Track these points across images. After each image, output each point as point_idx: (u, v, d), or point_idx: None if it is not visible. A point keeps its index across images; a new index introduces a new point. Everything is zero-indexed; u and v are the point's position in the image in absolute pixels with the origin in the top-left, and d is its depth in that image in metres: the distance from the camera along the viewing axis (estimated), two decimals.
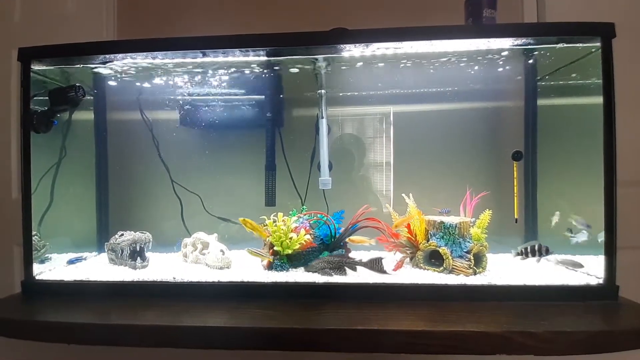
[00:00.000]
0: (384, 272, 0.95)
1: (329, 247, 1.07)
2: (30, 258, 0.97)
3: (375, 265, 0.95)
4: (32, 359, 1.10)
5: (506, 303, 0.85)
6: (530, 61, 1.13)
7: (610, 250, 0.86)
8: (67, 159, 1.18)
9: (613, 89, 0.86)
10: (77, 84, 1.07)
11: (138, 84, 1.24)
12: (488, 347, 0.71)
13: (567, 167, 1.15)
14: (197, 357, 1.09)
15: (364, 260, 0.97)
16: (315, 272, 0.97)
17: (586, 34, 0.89)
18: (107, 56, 1.00)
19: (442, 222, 1.01)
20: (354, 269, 0.97)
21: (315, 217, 1.08)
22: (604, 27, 0.87)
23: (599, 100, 0.87)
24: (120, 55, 1.00)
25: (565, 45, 0.94)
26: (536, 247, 0.98)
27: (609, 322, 0.77)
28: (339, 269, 0.96)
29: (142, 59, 1.02)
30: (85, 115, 1.28)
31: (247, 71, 1.15)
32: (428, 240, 1.03)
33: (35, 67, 1.00)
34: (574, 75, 1.08)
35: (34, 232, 0.99)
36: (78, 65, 1.07)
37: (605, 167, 0.86)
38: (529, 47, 0.98)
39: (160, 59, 1.02)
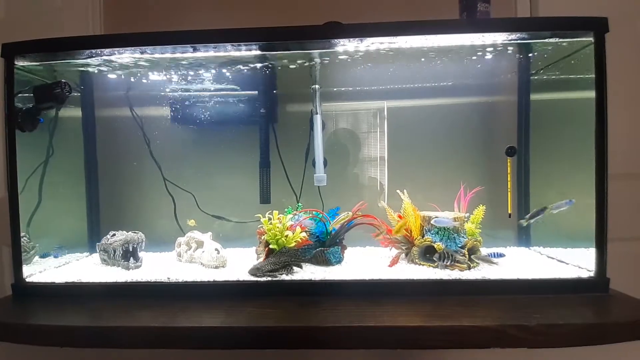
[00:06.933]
0: (330, 264, 1.01)
1: (325, 244, 1.06)
2: (19, 260, 0.95)
3: (319, 257, 0.99)
4: None
5: (500, 297, 0.86)
6: (523, 56, 1.13)
7: (601, 243, 0.87)
8: (54, 157, 1.15)
9: (605, 84, 0.87)
10: (62, 80, 1.03)
11: (127, 80, 1.21)
12: (482, 341, 0.72)
13: (559, 161, 1.16)
14: (193, 358, 1.08)
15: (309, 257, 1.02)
16: (263, 275, 0.93)
17: (579, 28, 0.89)
18: (93, 51, 0.97)
19: (437, 218, 1.01)
20: (300, 267, 0.98)
21: (310, 215, 1.08)
22: (597, 22, 0.87)
23: (590, 94, 0.88)
24: (107, 51, 0.97)
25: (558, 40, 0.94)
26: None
27: (601, 315, 0.78)
28: (286, 267, 0.95)
29: (129, 54, 0.99)
30: (73, 113, 1.25)
31: (239, 66, 1.13)
32: (423, 236, 1.03)
33: (20, 63, 0.97)
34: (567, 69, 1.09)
35: (22, 233, 0.96)
36: (63, 61, 1.04)
37: (596, 160, 0.87)
38: (523, 41, 0.98)
39: (149, 54, 0.99)
